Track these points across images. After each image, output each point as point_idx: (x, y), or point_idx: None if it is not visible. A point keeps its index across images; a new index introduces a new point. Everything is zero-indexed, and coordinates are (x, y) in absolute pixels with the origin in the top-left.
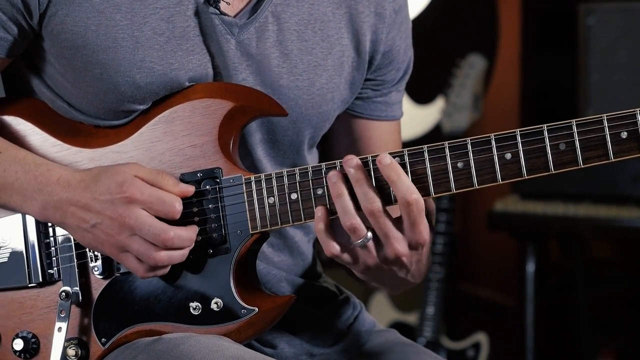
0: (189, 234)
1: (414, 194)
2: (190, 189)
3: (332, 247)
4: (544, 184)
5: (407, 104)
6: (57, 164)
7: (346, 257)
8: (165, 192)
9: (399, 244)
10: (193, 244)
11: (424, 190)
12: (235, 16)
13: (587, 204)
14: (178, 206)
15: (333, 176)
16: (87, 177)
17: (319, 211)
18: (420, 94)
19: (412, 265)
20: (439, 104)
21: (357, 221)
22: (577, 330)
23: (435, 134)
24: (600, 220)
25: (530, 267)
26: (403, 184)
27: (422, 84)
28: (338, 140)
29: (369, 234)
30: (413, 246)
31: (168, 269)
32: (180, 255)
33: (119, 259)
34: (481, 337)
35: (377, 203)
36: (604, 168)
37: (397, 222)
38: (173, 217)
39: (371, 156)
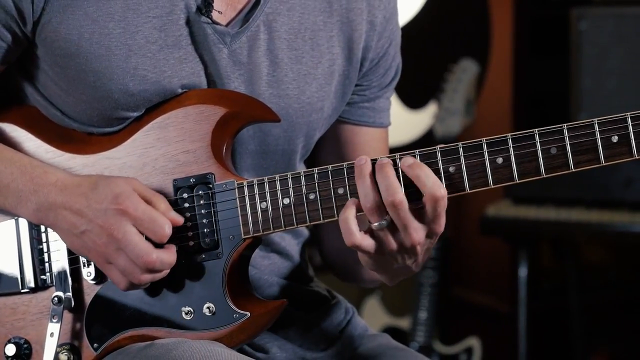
0: (170, 257)
1: (442, 189)
2: (180, 220)
3: (354, 238)
4: (537, 189)
5: (399, 109)
6: (53, 167)
7: (367, 243)
8: (159, 213)
9: (417, 233)
10: (173, 265)
11: (417, 194)
12: (227, 25)
13: (580, 209)
14: (167, 229)
15: (361, 160)
16: (85, 182)
17: (350, 201)
18: (413, 99)
19: (421, 254)
20: (431, 109)
21: (379, 203)
22: (570, 335)
23: (427, 139)
24: (593, 225)
25: (523, 272)
26: (429, 179)
27: (414, 89)
28: (324, 145)
29: (388, 217)
30: (429, 235)
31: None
32: (161, 276)
33: (103, 269)
34: (474, 342)
35: (398, 195)
36: (597, 173)
37: (417, 213)
38: (161, 239)
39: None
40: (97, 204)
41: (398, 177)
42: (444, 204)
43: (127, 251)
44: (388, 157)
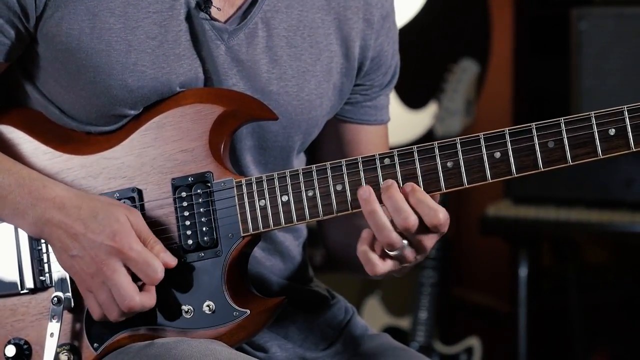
0: (151, 301)
1: (440, 215)
2: (173, 262)
3: (377, 268)
4: (537, 189)
5: (399, 109)
6: (53, 181)
7: (389, 266)
8: (153, 256)
9: (430, 241)
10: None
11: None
12: (225, 22)
13: (580, 209)
14: (160, 273)
15: (364, 192)
16: (85, 206)
17: (365, 232)
18: (413, 99)
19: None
20: (431, 109)
21: (394, 236)
22: (570, 335)
23: (427, 139)
24: (593, 225)
25: (523, 272)
26: (425, 208)
27: (414, 89)
28: (327, 145)
29: (405, 242)
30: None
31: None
32: (134, 314)
33: (83, 294)
34: (474, 342)
35: (411, 218)
36: (597, 173)
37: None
38: (152, 283)
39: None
40: (93, 235)
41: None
42: (446, 224)
43: (112, 290)
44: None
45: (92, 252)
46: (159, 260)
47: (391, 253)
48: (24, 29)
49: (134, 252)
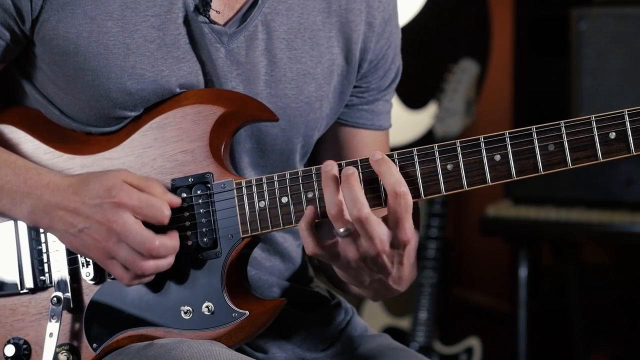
0: (173, 242)
1: (403, 187)
2: (177, 201)
3: (312, 246)
4: (537, 189)
5: (399, 109)
6: (47, 169)
7: (326, 253)
8: (154, 197)
9: (381, 242)
10: (177, 251)
11: (414, 192)
12: (225, 25)
13: (580, 209)
14: (166, 211)
15: (327, 164)
16: (76, 181)
17: (308, 210)
18: (413, 99)
19: (393, 267)
20: (431, 109)
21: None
22: (570, 335)
23: (427, 139)
24: (593, 225)
25: (523, 272)
26: (392, 176)
27: (414, 89)
28: (325, 148)
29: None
30: (395, 245)
31: (153, 276)
32: (166, 264)
33: (106, 265)
34: (474, 342)
35: (364, 209)
36: (597, 173)
37: (382, 222)
38: (162, 222)
39: (360, 160)
40: (91, 200)
41: (375, 183)
42: (404, 204)
43: (128, 241)
44: (351, 161)
45: (96, 216)
46: (161, 199)
47: (338, 232)
48: (19, 31)
49: (135, 200)
